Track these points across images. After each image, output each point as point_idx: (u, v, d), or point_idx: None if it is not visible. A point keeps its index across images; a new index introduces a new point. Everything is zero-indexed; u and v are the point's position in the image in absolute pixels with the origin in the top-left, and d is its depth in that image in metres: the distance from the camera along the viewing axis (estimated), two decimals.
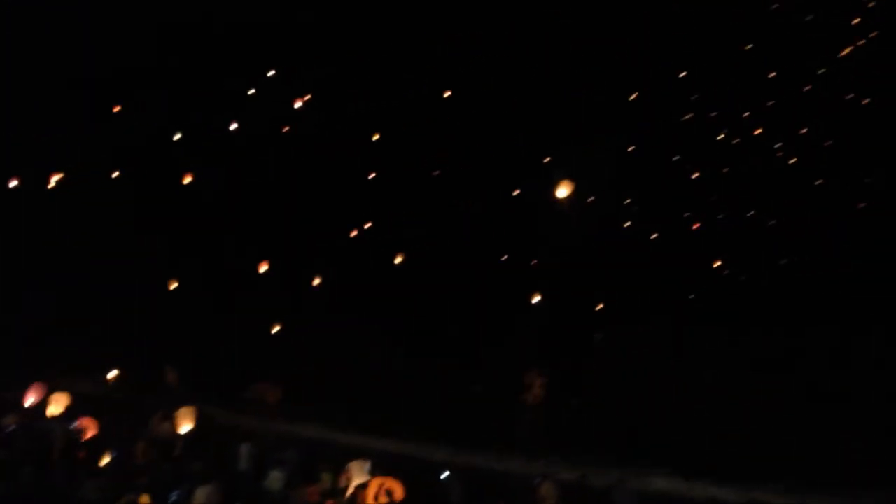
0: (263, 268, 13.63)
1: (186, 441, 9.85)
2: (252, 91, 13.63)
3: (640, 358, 12.39)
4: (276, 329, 13.32)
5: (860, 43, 11.70)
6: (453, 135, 13.59)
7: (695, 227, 12.78)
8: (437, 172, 13.73)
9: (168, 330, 13.23)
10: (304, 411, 12.47)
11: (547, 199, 12.10)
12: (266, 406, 12.51)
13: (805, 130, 12.20)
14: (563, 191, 11.43)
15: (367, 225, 13.67)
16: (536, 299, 12.80)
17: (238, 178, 14.03)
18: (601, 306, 12.90)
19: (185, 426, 9.81)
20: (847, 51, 11.66)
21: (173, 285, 13.64)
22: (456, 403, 12.40)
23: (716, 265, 12.60)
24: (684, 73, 12.60)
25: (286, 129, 13.77)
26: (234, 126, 13.65)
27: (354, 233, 13.70)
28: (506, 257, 13.46)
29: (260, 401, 12.55)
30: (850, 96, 11.89)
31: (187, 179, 13.67)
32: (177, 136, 13.76)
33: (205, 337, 13.38)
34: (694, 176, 12.92)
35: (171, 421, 10.04)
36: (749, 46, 12.38)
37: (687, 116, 12.71)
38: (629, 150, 12.90)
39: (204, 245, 14.22)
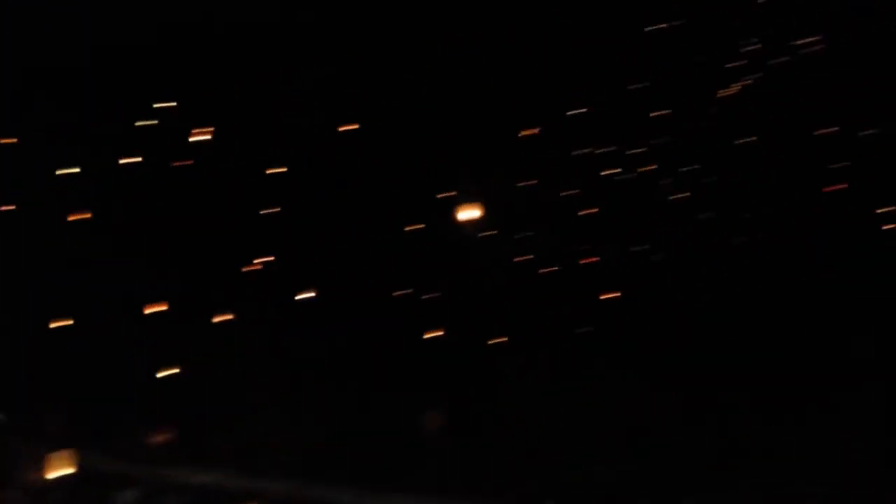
0: (154, 308, 13.34)
1: (62, 488, 9.50)
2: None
3: (537, 391, 12.65)
4: (164, 373, 13.03)
5: (745, 83, 12.46)
6: (351, 167, 13.69)
7: (585, 261, 13.02)
8: (335, 207, 13.81)
9: (47, 370, 12.97)
10: (194, 455, 12.43)
11: (443, 233, 12.61)
12: (152, 451, 12.41)
13: (692, 167, 12.72)
14: (467, 214, 11.79)
15: (267, 259, 13.62)
16: (433, 335, 13.01)
17: (128, 211, 13.89)
18: (497, 340, 13.08)
19: (60, 472, 9.36)
20: (729, 91, 12.40)
21: (56, 323, 13.30)
22: (357, 443, 12.49)
23: (606, 297, 12.78)
24: (578, 111, 13.02)
25: (180, 163, 13.77)
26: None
27: (253, 267, 13.62)
28: (402, 292, 13.55)
29: (146, 445, 12.41)
30: (732, 135, 12.63)
31: (82, 216, 13.52)
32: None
33: (86, 378, 13.02)
34: (585, 211, 13.11)
35: (46, 467, 9.60)
36: (640, 86, 12.84)
37: (581, 152, 13.04)
38: (523, 185, 13.11)
39: (92, 280, 13.78)
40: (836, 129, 12.25)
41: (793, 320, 12.32)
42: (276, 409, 12.93)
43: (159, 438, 12.29)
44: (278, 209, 13.53)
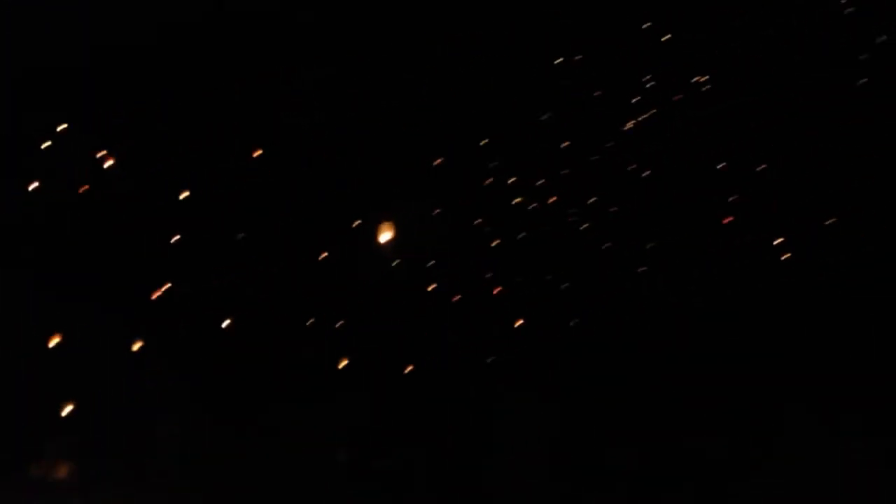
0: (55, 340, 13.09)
1: None
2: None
3: (448, 418, 12.76)
4: (68, 408, 12.84)
5: (640, 118, 12.83)
6: (258, 194, 13.66)
7: (496, 291, 13.11)
8: (241, 235, 13.81)
9: None
10: (96, 486, 12.36)
11: (352, 261, 12.68)
12: (52, 482, 12.24)
13: (594, 199, 13.04)
14: (385, 235, 11.89)
15: (167, 286, 13.61)
16: (343, 364, 13.01)
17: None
18: (410, 368, 13.10)
19: None
20: (629, 125, 12.78)
21: None
22: (263, 476, 12.54)
23: (517, 324, 12.90)
24: (485, 141, 13.19)
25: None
26: None
27: (157, 293, 13.55)
28: (312, 320, 13.58)
29: (46, 476, 12.25)
30: (632, 167, 12.94)
31: None
32: None
33: None
34: (494, 243, 13.25)
35: None
36: (545, 116, 13.13)
37: (487, 181, 13.22)
38: (434, 213, 13.23)
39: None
40: (725, 164, 12.69)
41: (694, 350, 12.56)
42: (181, 444, 12.88)
43: (60, 470, 12.33)
44: (179, 237, 13.50)
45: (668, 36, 12.82)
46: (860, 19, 12.65)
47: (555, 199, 13.06)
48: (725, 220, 12.67)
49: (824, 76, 12.68)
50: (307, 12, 14.24)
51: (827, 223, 12.66)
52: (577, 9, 13.35)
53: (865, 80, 12.57)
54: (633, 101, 12.92)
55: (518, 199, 13.15)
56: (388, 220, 12.88)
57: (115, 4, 14.16)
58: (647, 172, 12.83)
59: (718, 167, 12.70)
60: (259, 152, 13.66)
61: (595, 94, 13.01)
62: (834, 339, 12.27)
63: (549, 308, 13.00)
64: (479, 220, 13.23)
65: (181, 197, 13.59)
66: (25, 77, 14.00)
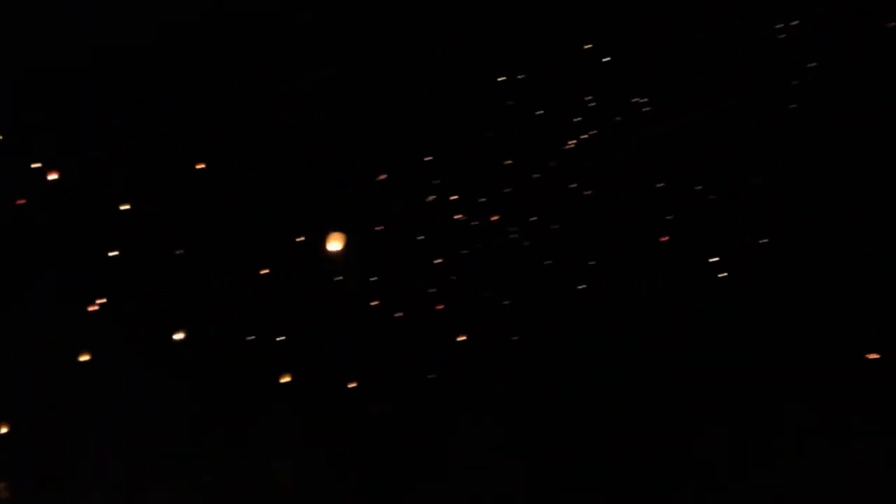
0: None
1: None
2: None
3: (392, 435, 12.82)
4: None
5: (583, 137, 13.04)
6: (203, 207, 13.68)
7: (438, 307, 13.24)
8: (180, 251, 13.78)
9: None
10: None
11: (294, 276, 12.75)
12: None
13: (535, 217, 13.25)
14: (334, 244, 11.98)
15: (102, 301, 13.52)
16: (286, 379, 13.00)
17: None
18: (354, 384, 13.14)
19: None
20: (571, 144, 12.96)
21: None
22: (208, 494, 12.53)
23: (460, 339, 13.00)
24: (429, 158, 13.33)
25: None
26: None
27: (94, 307, 13.41)
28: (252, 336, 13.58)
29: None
30: (573, 185, 13.13)
31: None
32: None
33: None
34: (437, 261, 13.38)
35: None
36: (489, 135, 13.32)
37: (430, 198, 13.34)
38: (376, 229, 13.27)
39: None
40: (664, 184, 12.83)
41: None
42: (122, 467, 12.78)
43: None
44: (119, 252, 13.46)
45: (609, 58, 12.94)
46: (791, 46, 12.83)
47: (497, 217, 13.11)
48: (662, 239, 12.77)
49: (757, 97, 12.90)
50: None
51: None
52: (521, 29, 13.41)
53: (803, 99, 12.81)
54: (575, 120, 13.00)
55: (459, 216, 13.16)
56: (330, 235, 12.67)
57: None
58: (589, 192, 12.95)
59: (657, 186, 12.84)
60: (201, 165, 13.55)
61: (537, 113, 13.11)
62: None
63: (491, 324, 13.04)
64: (422, 237, 13.27)
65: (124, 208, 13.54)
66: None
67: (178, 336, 13.13)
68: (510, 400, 12.68)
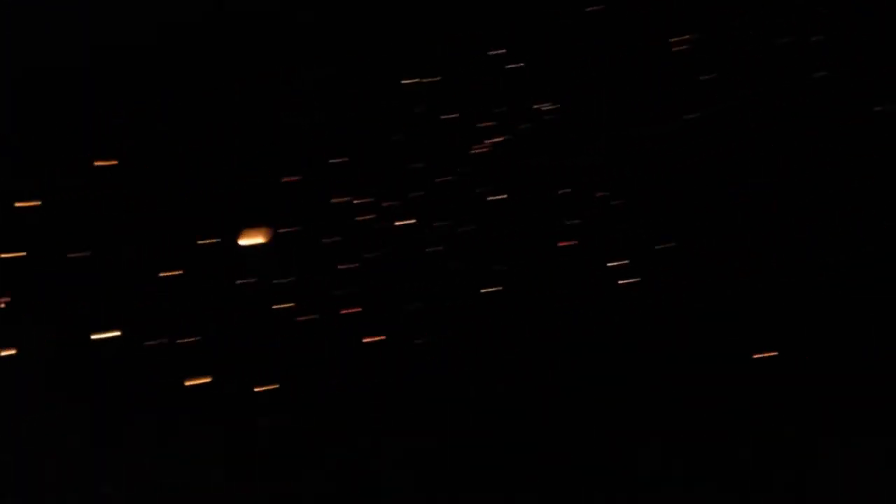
0: None
1: None
2: None
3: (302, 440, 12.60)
4: None
5: (491, 142, 13.09)
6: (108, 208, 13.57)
7: (345, 311, 13.16)
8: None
9: None
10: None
11: (201, 279, 12.52)
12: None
13: (445, 221, 13.20)
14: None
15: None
16: (194, 382, 12.75)
17: None
18: (262, 389, 13.00)
19: None
20: (481, 149, 13.03)
21: None
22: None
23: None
24: (336, 160, 13.39)
25: None
26: None
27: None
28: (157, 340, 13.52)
29: None
30: (482, 189, 13.20)
31: None
32: None
33: None
34: (345, 266, 13.36)
35: None
36: (396, 137, 13.31)
37: (337, 200, 13.34)
38: (283, 231, 13.28)
39: None
40: (569, 189, 12.86)
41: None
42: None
43: None
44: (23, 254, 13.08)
45: (521, 64, 12.91)
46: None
47: (405, 221, 13.15)
48: (563, 244, 12.81)
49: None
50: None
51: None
52: (429, 30, 13.36)
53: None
54: (483, 125, 13.01)
55: (365, 218, 13.19)
56: (237, 236, 12.70)
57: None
58: (502, 196, 12.99)
59: (560, 192, 12.86)
60: (110, 162, 13.46)
61: (444, 118, 13.15)
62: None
63: (399, 328, 12.99)
64: (329, 240, 13.23)
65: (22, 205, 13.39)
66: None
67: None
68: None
